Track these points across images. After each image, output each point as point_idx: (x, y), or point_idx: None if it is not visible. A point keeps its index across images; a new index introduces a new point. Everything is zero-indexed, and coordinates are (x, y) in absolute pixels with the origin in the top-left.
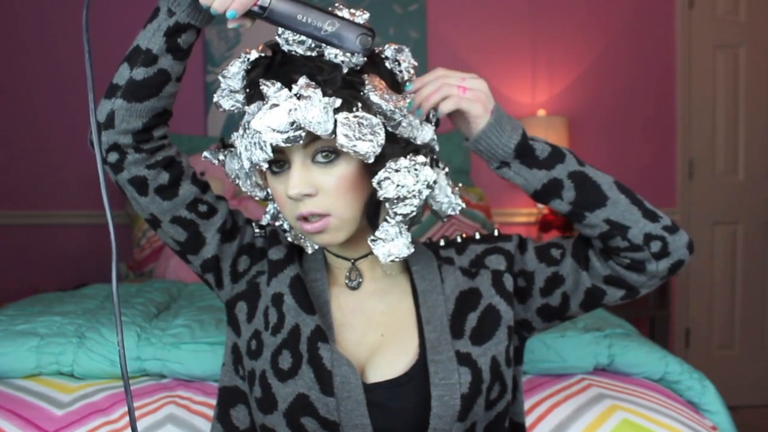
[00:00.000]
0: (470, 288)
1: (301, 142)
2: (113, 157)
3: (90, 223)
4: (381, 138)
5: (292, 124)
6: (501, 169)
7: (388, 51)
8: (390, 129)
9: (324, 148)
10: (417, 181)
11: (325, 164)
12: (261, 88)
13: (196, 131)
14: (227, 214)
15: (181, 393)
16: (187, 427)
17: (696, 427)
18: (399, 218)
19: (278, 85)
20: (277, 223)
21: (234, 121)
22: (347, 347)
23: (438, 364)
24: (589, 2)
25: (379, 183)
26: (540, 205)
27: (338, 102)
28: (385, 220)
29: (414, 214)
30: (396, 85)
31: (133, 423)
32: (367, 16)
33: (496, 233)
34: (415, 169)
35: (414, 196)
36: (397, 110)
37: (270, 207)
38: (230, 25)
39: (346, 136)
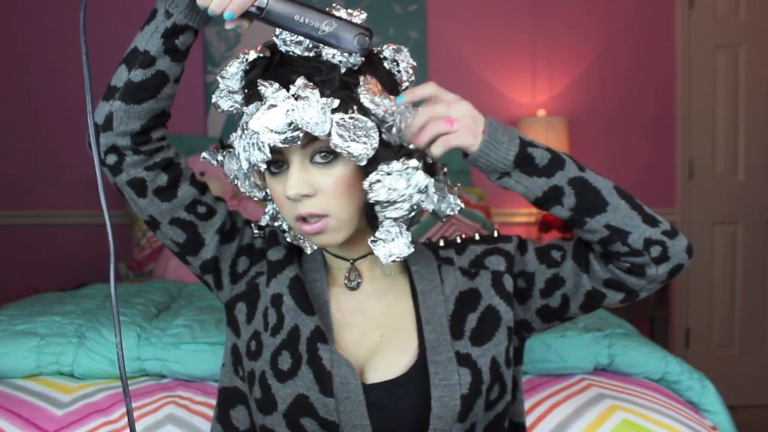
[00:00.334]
0: (470, 288)
1: (299, 142)
2: (112, 159)
3: (90, 223)
4: (375, 141)
5: (290, 124)
6: (502, 179)
7: (387, 51)
8: (383, 131)
9: (322, 149)
10: (408, 185)
11: (323, 165)
12: (259, 88)
13: (196, 131)
14: (226, 215)
15: (181, 393)
16: (187, 427)
17: (696, 427)
18: (389, 222)
19: (276, 85)
20: (276, 224)
21: (234, 121)
22: (347, 348)
23: (438, 364)
24: (589, 3)
25: (370, 185)
26: None
27: (336, 102)
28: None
29: (410, 216)
30: (394, 86)
31: (131, 425)
32: (364, 16)
33: (495, 234)
34: (407, 173)
35: (405, 200)
36: (387, 114)
37: (269, 208)
38: (228, 26)
39: (341, 136)
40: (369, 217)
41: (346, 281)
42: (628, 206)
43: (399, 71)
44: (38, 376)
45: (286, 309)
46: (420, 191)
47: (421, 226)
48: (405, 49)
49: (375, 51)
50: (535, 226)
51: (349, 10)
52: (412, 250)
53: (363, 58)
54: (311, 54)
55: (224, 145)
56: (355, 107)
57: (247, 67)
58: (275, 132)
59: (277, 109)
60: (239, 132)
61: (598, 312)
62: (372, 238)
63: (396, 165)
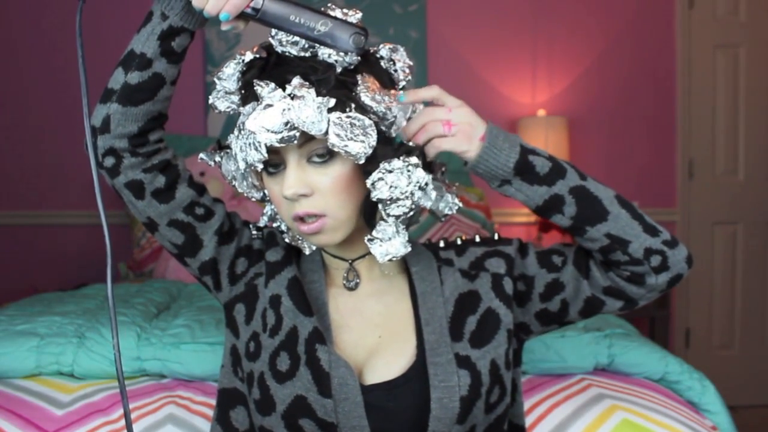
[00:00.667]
0: (469, 290)
1: (296, 142)
2: (109, 161)
3: (90, 224)
4: (372, 139)
5: (286, 124)
6: (502, 187)
7: (383, 51)
8: (384, 129)
9: (319, 149)
10: (410, 183)
11: (320, 164)
12: (255, 88)
13: (196, 131)
14: (224, 216)
15: (181, 393)
16: (187, 427)
17: (696, 427)
18: (392, 219)
19: (272, 85)
20: (274, 225)
21: (234, 121)
22: (345, 349)
23: (437, 366)
24: (589, 3)
25: (373, 184)
26: None
27: (332, 102)
28: (383, 220)
29: (410, 214)
30: (391, 85)
31: (129, 425)
32: (359, 15)
33: (496, 237)
34: (408, 171)
35: (407, 197)
36: (388, 111)
37: (267, 208)
38: (224, 27)
39: (338, 135)
40: (367, 217)
41: (344, 282)
42: (629, 216)
43: (396, 70)
44: (38, 376)
45: (284, 310)
46: (420, 188)
47: (421, 226)
48: (401, 49)
49: (372, 50)
50: (535, 227)
51: (345, 10)
52: (409, 249)
53: (359, 58)
54: (307, 54)
55: (222, 146)
56: (352, 105)
57: (244, 68)
58: (272, 131)
59: (273, 109)
60: (236, 132)
61: None
62: (368, 237)
63: (397, 163)
